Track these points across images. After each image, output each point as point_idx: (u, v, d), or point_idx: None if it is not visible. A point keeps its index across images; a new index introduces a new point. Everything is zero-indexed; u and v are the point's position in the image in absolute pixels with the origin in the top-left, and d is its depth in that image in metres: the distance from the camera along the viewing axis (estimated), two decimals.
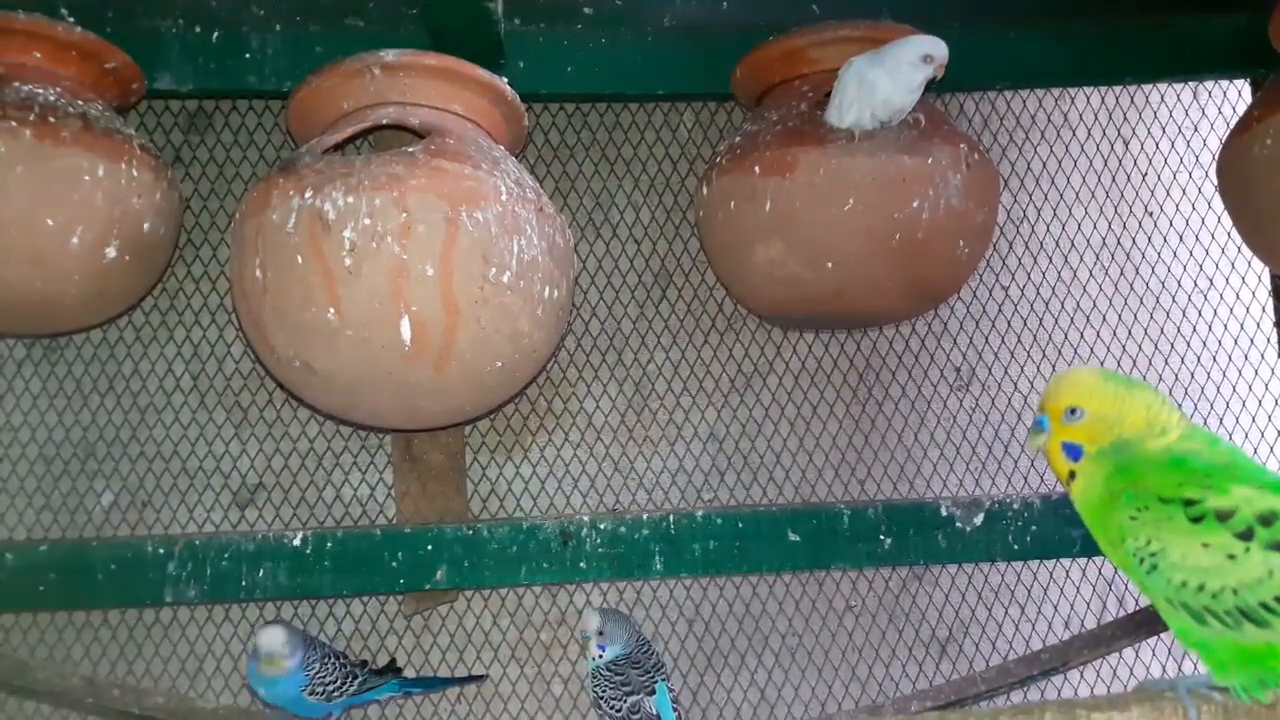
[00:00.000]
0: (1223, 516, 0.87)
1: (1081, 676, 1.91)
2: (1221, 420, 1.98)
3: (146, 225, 1.49)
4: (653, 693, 1.48)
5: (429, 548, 1.61)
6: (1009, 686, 1.62)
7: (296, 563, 1.58)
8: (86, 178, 1.40)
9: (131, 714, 1.47)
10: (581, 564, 1.63)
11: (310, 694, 1.51)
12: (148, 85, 1.64)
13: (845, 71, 1.49)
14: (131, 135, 1.49)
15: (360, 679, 1.57)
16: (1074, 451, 0.96)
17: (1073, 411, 0.95)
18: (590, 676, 1.55)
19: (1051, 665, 1.61)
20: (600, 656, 1.54)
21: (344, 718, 1.61)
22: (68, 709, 1.68)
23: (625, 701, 1.49)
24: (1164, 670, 1.94)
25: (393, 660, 1.68)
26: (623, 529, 1.64)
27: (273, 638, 1.50)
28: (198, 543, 1.57)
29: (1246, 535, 0.86)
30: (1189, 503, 0.88)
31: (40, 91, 1.42)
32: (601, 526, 1.64)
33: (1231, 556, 0.86)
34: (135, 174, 1.46)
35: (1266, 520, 0.86)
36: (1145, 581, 0.91)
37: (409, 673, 1.77)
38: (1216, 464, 0.91)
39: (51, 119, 1.39)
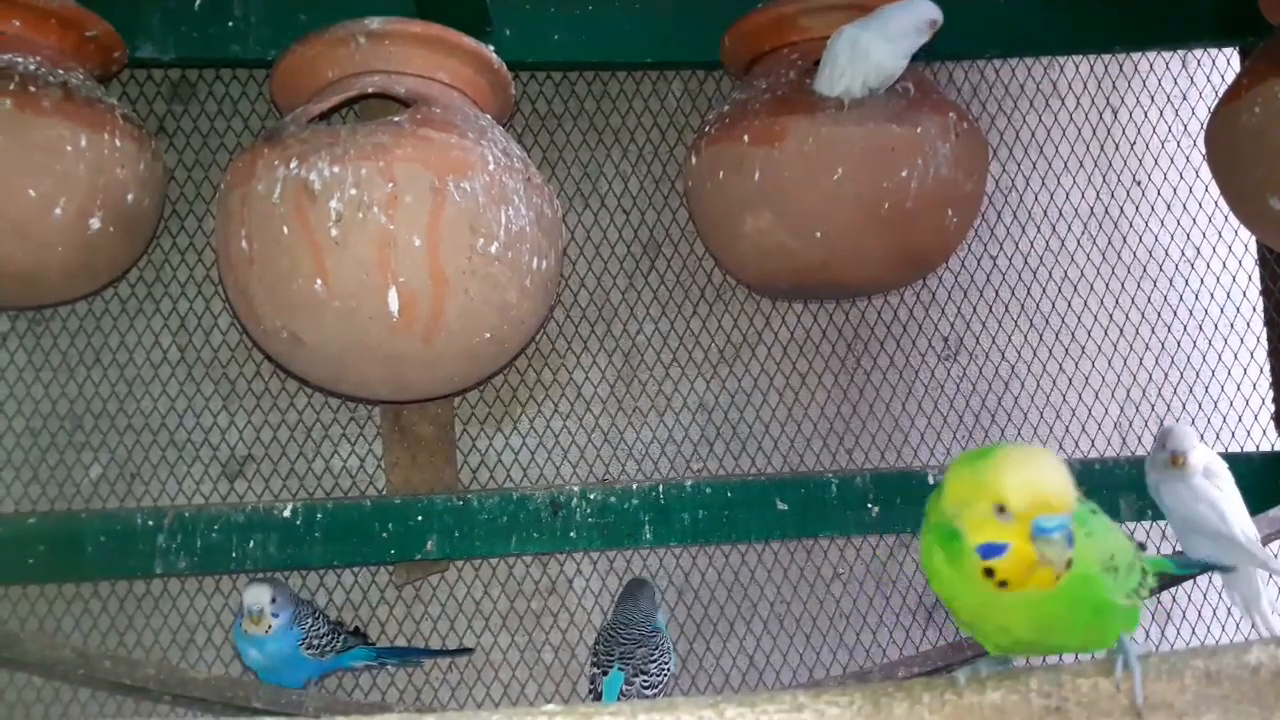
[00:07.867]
0: None
1: None
2: (1207, 388, 1.99)
3: (130, 196, 1.47)
4: (606, 673, 1.49)
5: (419, 518, 1.62)
6: None
7: (287, 534, 1.59)
8: (69, 148, 1.39)
9: (123, 685, 1.48)
10: (571, 534, 1.64)
11: (308, 649, 1.50)
12: (130, 54, 1.62)
13: (836, 39, 1.48)
14: (114, 105, 1.48)
15: (342, 637, 1.57)
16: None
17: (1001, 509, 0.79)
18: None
19: None
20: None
21: (320, 685, 1.60)
22: (59, 681, 1.68)
23: (597, 669, 1.51)
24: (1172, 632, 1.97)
25: (357, 627, 1.68)
26: (612, 499, 1.64)
27: (258, 594, 1.47)
28: (187, 514, 1.57)
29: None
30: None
31: (20, 60, 1.40)
32: (591, 496, 1.64)
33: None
34: (118, 144, 1.44)
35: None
36: (1115, 590, 0.86)
37: (400, 643, 1.78)
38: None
39: (32, 88, 1.37)
